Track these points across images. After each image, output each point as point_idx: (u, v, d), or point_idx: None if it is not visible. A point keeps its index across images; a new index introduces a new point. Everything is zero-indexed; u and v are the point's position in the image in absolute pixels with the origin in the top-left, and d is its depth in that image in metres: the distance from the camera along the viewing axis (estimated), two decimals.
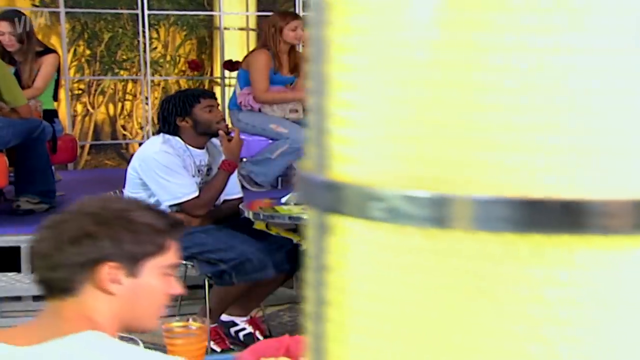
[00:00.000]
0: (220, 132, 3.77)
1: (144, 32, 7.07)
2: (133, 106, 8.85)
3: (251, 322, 3.87)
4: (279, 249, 3.66)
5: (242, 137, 3.96)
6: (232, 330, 3.86)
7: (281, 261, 3.63)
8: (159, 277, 1.47)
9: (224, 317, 3.83)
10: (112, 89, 8.70)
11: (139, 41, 8.48)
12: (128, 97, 8.94)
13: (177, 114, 3.74)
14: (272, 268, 3.57)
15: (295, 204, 3.62)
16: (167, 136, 3.77)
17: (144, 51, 7.19)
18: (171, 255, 1.49)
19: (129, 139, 8.88)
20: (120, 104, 8.86)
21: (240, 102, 5.46)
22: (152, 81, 8.60)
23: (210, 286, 3.69)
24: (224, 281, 3.60)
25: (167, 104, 3.79)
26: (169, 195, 3.68)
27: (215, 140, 3.89)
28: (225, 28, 8.29)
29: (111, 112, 8.92)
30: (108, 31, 8.06)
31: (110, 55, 8.32)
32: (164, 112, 3.79)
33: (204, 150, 3.84)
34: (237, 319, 3.87)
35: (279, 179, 5.92)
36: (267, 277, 3.60)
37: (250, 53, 5.67)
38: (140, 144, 8.78)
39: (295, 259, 3.70)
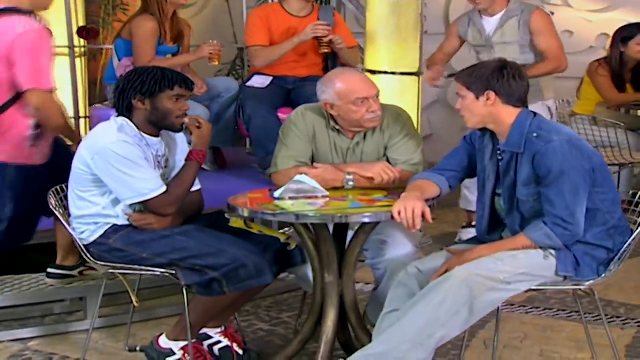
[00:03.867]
0: (187, 120, 3.22)
1: None
2: None
3: (226, 333, 3.39)
4: (266, 250, 3.20)
5: None
6: (206, 344, 3.36)
7: (271, 264, 3.17)
8: None
9: None
10: None
11: None
12: None
13: (140, 91, 3.14)
14: (270, 273, 3.11)
15: (290, 198, 3.17)
16: (120, 121, 3.17)
17: None
18: None
19: None
20: None
21: (121, 76, 4.79)
22: None
23: (187, 294, 3.15)
24: (213, 291, 3.09)
25: (135, 76, 3.17)
26: (132, 192, 3.10)
27: None
28: None
29: None
30: None
31: None
32: (125, 84, 3.17)
33: (159, 139, 3.27)
34: (210, 331, 3.38)
35: None
36: (265, 284, 3.14)
37: (131, 20, 5.00)
38: None
39: (282, 261, 3.27)
